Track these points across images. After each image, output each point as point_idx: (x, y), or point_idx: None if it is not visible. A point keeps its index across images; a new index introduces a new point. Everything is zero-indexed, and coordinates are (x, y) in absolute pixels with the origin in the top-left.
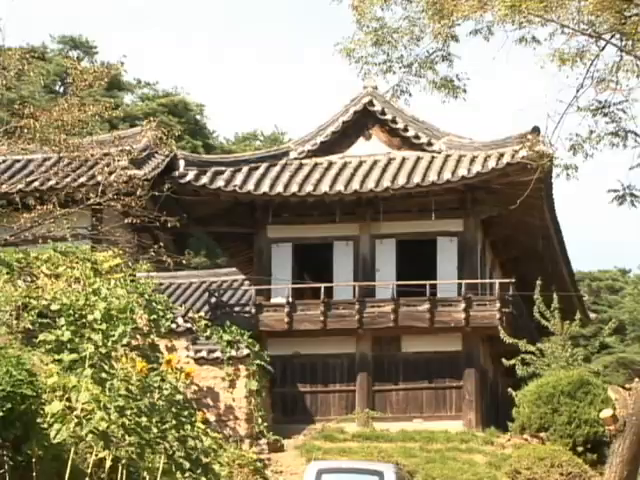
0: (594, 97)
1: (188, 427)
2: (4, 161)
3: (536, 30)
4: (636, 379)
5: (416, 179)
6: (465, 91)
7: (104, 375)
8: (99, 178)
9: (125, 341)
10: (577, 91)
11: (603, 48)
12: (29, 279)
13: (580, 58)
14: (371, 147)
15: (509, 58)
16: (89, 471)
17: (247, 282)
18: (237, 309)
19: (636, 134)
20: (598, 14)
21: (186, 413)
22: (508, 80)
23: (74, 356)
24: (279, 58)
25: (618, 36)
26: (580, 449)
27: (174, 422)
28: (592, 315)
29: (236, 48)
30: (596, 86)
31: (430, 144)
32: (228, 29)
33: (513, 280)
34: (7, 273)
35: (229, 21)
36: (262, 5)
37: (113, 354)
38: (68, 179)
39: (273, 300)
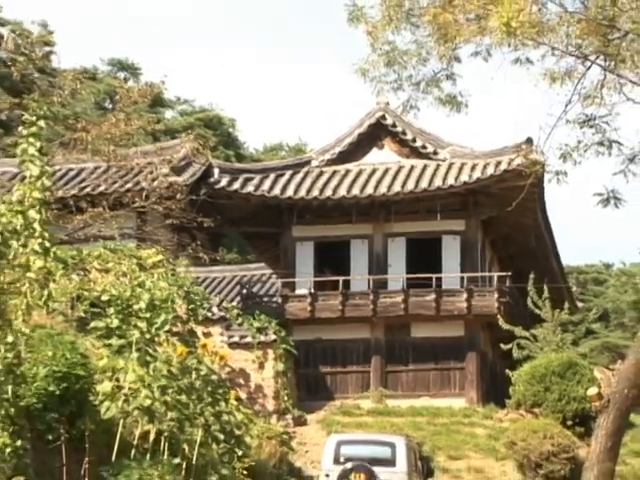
0: (581, 111)
1: (222, 404)
2: (60, 169)
3: (530, 52)
4: (619, 361)
5: (423, 184)
6: (467, 106)
7: (148, 358)
8: (143, 184)
9: (167, 328)
10: (566, 106)
11: (589, 68)
12: (82, 274)
13: (569, 77)
14: (383, 156)
15: (506, 77)
16: (135, 443)
17: (274, 276)
18: (265, 299)
19: (619, 144)
20: (584, 38)
21: (221, 391)
22: (505, 95)
23: (122, 341)
24: (303, 76)
25: (602, 57)
26: (569, 423)
27: (210, 399)
28: (579, 304)
29: (264, 67)
30: (583, 102)
31: (436, 153)
32: (258, 51)
33: (509, 274)
34: (63, 268)
35: (258, 44)
36: (288, 28)
37: (156, 339)
38: (116, 185)
39: (297, 291)
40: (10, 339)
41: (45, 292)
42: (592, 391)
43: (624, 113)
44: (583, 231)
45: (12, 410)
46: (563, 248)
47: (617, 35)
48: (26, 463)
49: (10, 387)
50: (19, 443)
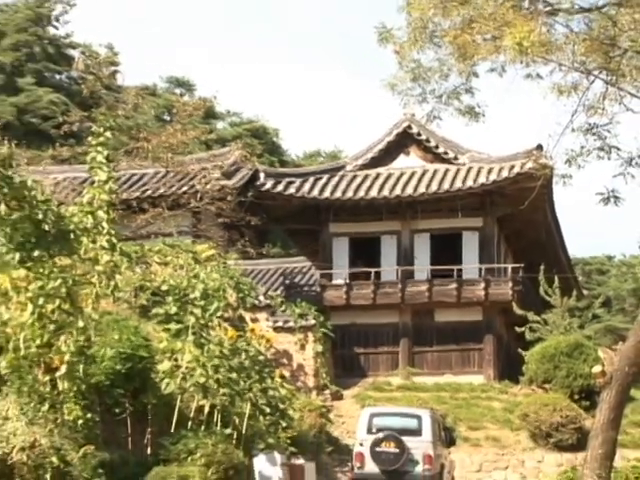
0: (585, 120)
1: (268, 381)
2: (124, 174)
3: (539, 68)
4: (620, 342)
5: (445, 186)
6: (484, 116)
7: (203, 341)
8: (198, 187)
9: (219, 314)
10: (572, 116)
11: (592, 82)
12: (144, 266)
13: (574, 90)
14: (410, 161)
15: (518, 90)
16: (192, 415)
17: (313, 268)
18: (306, 289)
19: (618, 149)
20: (588, 55)
21: (267, 370)
22: (517, 107)
23: (179, 326)
24: (339, 90)
25: (604, 72)
26: (576, 397)
27: (257, 377)
28: (585, 292)
29: (306, 83)
30: (587, 112)
31: (456, 158)
32: (299, 68)
33: (522, 265)
34: (127, 262)
35: (299, 62)
36: (323, 48)
37: (210, 324)
38: (174, 188)
39: (334, 281)
40: (81, 324)
41: (112, 283)
42: (597, 369)
43: (623, 122)
44: (588, 226)
45: (83, 387)
46: (570, 242)
47: (617, 52)
48: (96, 433)
49: (81, 366)
50: (90, 416)
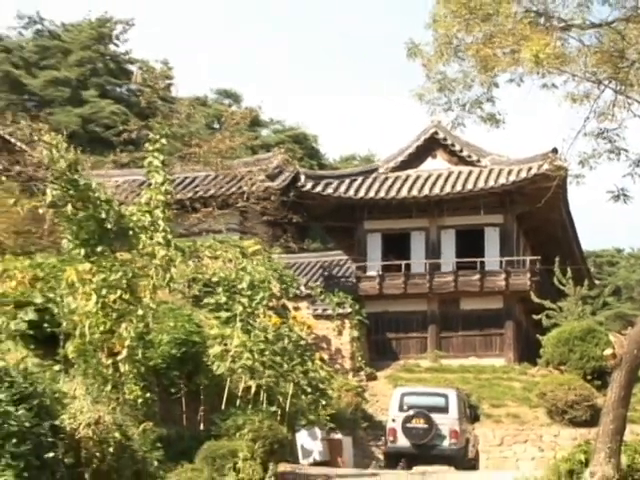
0: (596, 126)
1: (309, 363)
2: (178, 177)
3: (554, 78)
4: (629, 327)
5: (469, 186)
6: (504, 123)
7: (249, 327)
8: (245, 188)
9: (264, 303)
10: (584, 121)
11: (603, 91)
12: (196, 260)
13: (586, 98)
14: (436, 164)
15: (535, 98)
16: (240, 395)
17: (349, 261)
18: (343, 280)
19: (627, 151)
20: (599, 66)
21: (308, 353)
22: (535, 113)
23: (228, 314)
24: (372, 100)
25: (614, 82)
26: (589, 377)
27: (299, 360)
28: (596, 282)
29: (342, 93)
30: (598, 118)
31: (479, 161)
32: (336, 79)
33: (539, 257)
34: (181, 256)
35: (336, 75)
36: (359, 62)
37: (256, 312)
38: (223, 189)
39: (368, 273)
40: (140, 312)
41: (167, 275)
42: (608, 352)
43: (631, 127)
44: (599, 222)
45: (142, 369)
46: (582, 236)
47: (626, 64)
48: (154, 411)
49: (141, 351)
50: (148, 395)
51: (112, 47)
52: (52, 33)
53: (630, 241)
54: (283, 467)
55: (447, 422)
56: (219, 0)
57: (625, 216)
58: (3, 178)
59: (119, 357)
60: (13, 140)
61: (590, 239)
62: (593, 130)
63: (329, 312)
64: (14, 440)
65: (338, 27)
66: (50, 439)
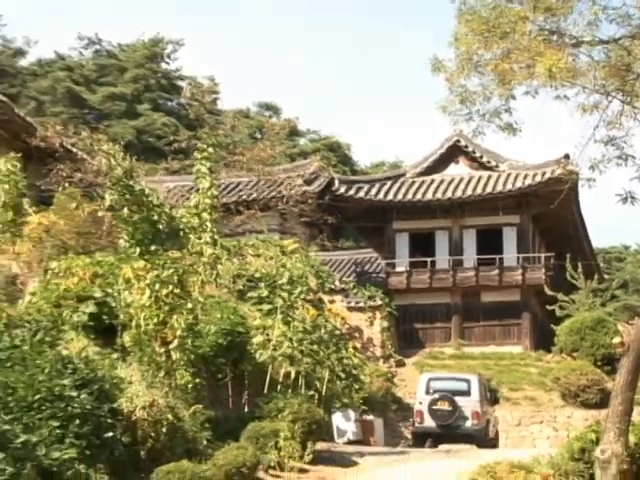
0: (605, 133)
1: (343, 351)
2: (223, 183)
3: (566, 90)
4: (636, 318)
5: (488, 189)
6: (521, 131)
7: (289, 318)
8: (284, 192)
9: (302, 296)
10: (594, 130)
11: (611, 102)
12: (241, 258)
13: (596, 108)
14: (459, 169)
15: (549, 109)
16: (281, 380)
17: (380, 258)
18: (373, 275)
19: (634, 157)
20: (607, 79)
21: (342, 342)
22: (548, 122)
23: (270, 306)
24: (401, 110)
25: (621, 93)
26: (599, 363)
27: (334, 348)
28: (605, 276)
29: (374, 105)
30: (607, 126)
31: (497, 166)
32: (368, 93)
33: (553, 254)
34: (227, 254)
35: (369, 90)
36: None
37: (295, 305)
38: (264, 193)
39: (397, 269)
40: (190, 305)
41: (214, 272)
42: (616, 340)
43: (638, 134)
44: (608, 221)
45: (192, 357)
46: (592, 234)
47: (632, 77)
48: (203, 395)
49: (190, 340)
50: (198, 381)
51: (163, 65)
52: (109, 52)
53: (637, 238)
54: (320, 445)
55: (469, 404)
56: (256, 26)
57: (633, 216)
58: (66, 184)
59: (171, 346)
60: (75, 150)
61: (599, 237)
62: (602, 137)
63: (361, 305)
64: (77, 421)
65: (369, 46)
66: (109, 420)
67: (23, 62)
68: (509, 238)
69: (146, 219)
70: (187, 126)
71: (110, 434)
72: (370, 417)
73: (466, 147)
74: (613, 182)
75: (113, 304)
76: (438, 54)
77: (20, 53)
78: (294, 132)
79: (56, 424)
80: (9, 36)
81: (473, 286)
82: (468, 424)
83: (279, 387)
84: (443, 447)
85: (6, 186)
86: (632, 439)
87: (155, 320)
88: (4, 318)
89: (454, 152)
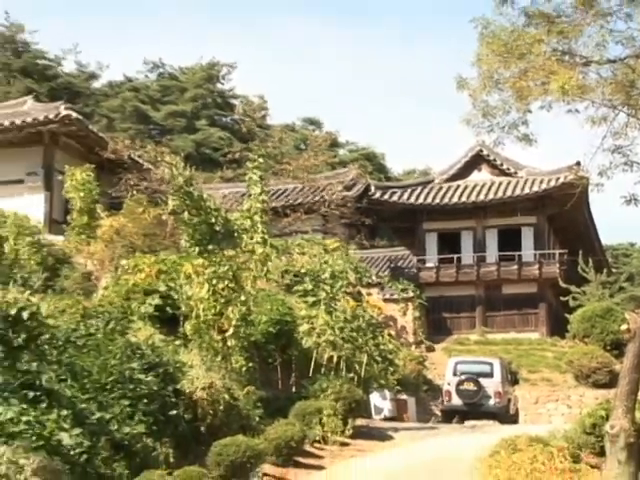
0: (612, 143)
1: (380, 338)
2: (272, 189)
3: (577, 105)
4: None
5: (508, 193)
6: (536, 141)
7: (331, 309)
8: (326, 197)
9: (342, 290)
10: (602, 139)
11: (617, 114)
12: (288, 256)
13: (604, 120)
14: (481, 176)
15: (562, 121)
16: (324, 364)
17: (411, 255)
18: (406, 270)
19: (638, 164)
20: (614, 94)
21: (378, 330)
22: (561, 133)
23: (314, 299)
24: (431, 123)
25: (627, 107)
26: (608, 348)
27: (371, 335)
28: (613, 270)
29: (407, 118)
30: (614, 136)
31: (516, 173)
32: (402, 107)
33: (566, 251)
34: (276, 252)
35: (401, 104)
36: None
37: (336, 297)
38: (308, 198)
39: (427, 265)
40: (243, 298)
41: (265, 268)
42: (624, 327)
43: None
44: (616, 220)
45: (246, 343)
46: (602, 232)
47: (636, 92)
48: (255, 377)
49: (244, 329)
50: (251, 364)
51: (219, 85)
52: (171, 75)
53: None
54: (359, 422)
55: (492, 385)
56: (299, 47)
57: (638, 216)
58: (134, 191)
59: (227, 334)
60: (141, 161)
61: (608, 235)
62: (610, 146)
63: (395, 296)
64: (145, 400)
65: (401, 63)
66: (173, 400)
67: (96, 84)
68: (527, 237)
69: (204, 222)
70: (240, 139)
71: (174, 412)
72: (404, 396)
73: (488, 156)
74: (620, 185)
75: (175, 297)
76: (462, 73)
77: (93, 76)
78: (334, 144)
79: (126, 403)
80: (84, 61)
81: (495, 280)
82: (491, 402)
83: (322, 370)
84: (469, 423)
85: (82, 193)
86: (638, 415)
87: (213, 311)
88: (81, 310)
89: (477, 160)
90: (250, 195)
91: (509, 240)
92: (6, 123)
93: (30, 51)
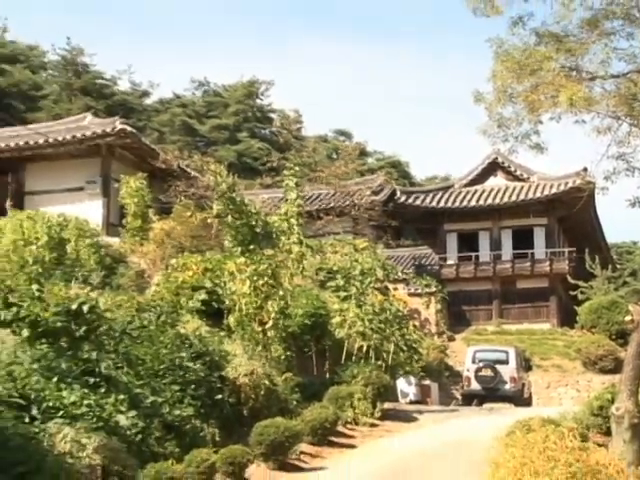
0: (616, 150)
1: (405, 329)
2: (307, 194)
3: (584, 116)
4: None
5: (521, 197)
6: (547, 149)
7: (361, 303)
8: (355, 201)
9: (371, 285)
10: (607, 147)
11: (621, 125)
12: (321, 254)
13: (608, 130)
14: (497, 181)
15: (570, 131)
16: (355, 352)
17: (433, 253)
18: (429, 267)
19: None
20: (617, 106)
21: (404, 322)
22: (569, 141)
23: (345, 293)
24: (451, 134)
25: (629, 118)
26: (613, 337)
27: (398, 326)
28: (618, 266)
29: (429, 130)
30: (617, 144)
31: (528, 178)
32: (425, 121)
33: (575, 249)
34: (310, 252)
35: (426, 119)
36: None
37: (365, 292)
38: (339, 202)
39: (447, 262)
40: (281, 293)
41: (300, 266)
42: (627, 318)
43: None
44: (620, 221)
45: (284, 334)
46: (607, 231)
47: (638, 104)
48: (293, 365)
49: (282, 321)
50: (288, 353)
51: (258, 101)
52: (215, 92)
53: None
54: (387, 405)
55: (508, 371)
56: (329, 64)
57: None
58: (182, 197)
59: (267, 326)
60: (189, 170)
61: (613, 234)
62: (614, 154)
63: (419, 291)
64: (193, 386)
65: (424, 81)
66: (218, 385)
67: (148, 101)
68: (539, 236)
69: (246, 224)
70: (278, 149)
71: (219, 396)
72: (427, 382)
73: (503, 163)
74: (624, 189)
75: (220, 292)
76: (479, 88)
77: (145, 94)
78: (363, 153)
79: (177, 388)
80: (137, 80)
81: (510, 275)
82: (507, 387)
83: (353, 358)
84: (487, 406)
85: (135, 199)
86: None
87: (254, 305)
88: (135, 304)
89: (493, 167)
90: (287, 200)
91: (522, 239)
92: (68, 137)
93: (89, 72)
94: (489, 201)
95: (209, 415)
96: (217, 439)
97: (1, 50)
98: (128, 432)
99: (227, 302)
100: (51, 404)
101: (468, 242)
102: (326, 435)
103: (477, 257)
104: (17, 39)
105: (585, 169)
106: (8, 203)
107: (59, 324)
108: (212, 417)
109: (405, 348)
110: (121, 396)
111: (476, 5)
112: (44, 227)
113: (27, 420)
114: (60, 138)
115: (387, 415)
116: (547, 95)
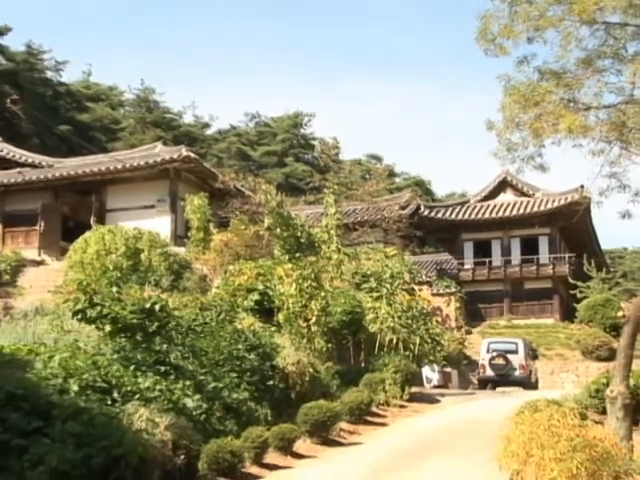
0: (609, 170)
1: (429, 324)
2: (345, 209)
3: (581, 140)
4: (633, 298)
5: (528, 210)
6: (549, 169)
7: (391, 302)
8: (386, 215)
9: (400, 287)
10: (601, 167)
11: (612, 148)
12: (357, 261)
13: (602, 152)
14: (507, 197)
15: (569, 153)
16: (386, 344)
17: (453, 259)
18: (449, 271)
19: (629, 187)
20: (609, 132)
21: (428, 318)
22: (568, 162)
23: (378, 294)
24: (466, 157)
25: (619, 142)
26: (608, 330)
27: (423, 322)
28: (611, 269)
29: (447, 154)
30: (610, 165)
31: (533, 194)
32: (442, 145)
33: (574, 254)
34: (348, 258)
35: (445, 146)
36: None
37: (395, 292)
38: (372, 216)
39: (465, 267)
40: (323, 294)
41: (339, 270)
42: (620, 313)
43: (633, 171)
44: (612, 229)
45: (325, 329)
46: (601, 239)
47: (627, 130)
48: (333, 355)
49: (323, 318)
50: (329, 345)
51: (302, 130)
52: (265, 123)
53: (632, 242)
54: (414, 389)
55: (517, 360)
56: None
57: (629, 226)
58: (238, 213)
59: (311, 322)
60: (243, 189)
61: (606, 241)
62: (607, 173)
63: (441, 291)
64: (248, 373)
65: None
66: (270, 373)
67: (208, 132)
68: (543, 244)
69: (292, 235)
70: (319, 171)
71: (270, 382)
72: (448, 369)
73: (511, 181)
74: (616, 203)
75: (271, 294)
76: (490, 117)
77: (206, 126)
78: (392, 174)
79: (234, 375)
80: (199, 114)
81: (518, 277)
82: (517, 373)
83: (385, 349)
84: (499, 390)
85: (198, 215)
86: (632, 382)
87: (299, 304)
88: (199, 304)
89: (503, 185)
90: (327, 214)
91: (529, 246)
92: (142, 163)
93: (159, 108)
94: (500, 214)
95: (262, 398)
96: (269, 418)
97: (87, 91)
98: (194, 412)
99: (277, 302)
100: (129, 389)
101: (482, 249)
102: (362, 415)
103: (490, 262)
104: (99, 81)
105: (582, 186)
106: (92, 219)
107: (135, 321)
108: (264, 400)
109: (429, 340)
110: (187, 382)
111: (487, 47)
112: (122, 239)
113: (109, 402)
114: (135, 164)
115: (414, 398)
116: (549, 123)
